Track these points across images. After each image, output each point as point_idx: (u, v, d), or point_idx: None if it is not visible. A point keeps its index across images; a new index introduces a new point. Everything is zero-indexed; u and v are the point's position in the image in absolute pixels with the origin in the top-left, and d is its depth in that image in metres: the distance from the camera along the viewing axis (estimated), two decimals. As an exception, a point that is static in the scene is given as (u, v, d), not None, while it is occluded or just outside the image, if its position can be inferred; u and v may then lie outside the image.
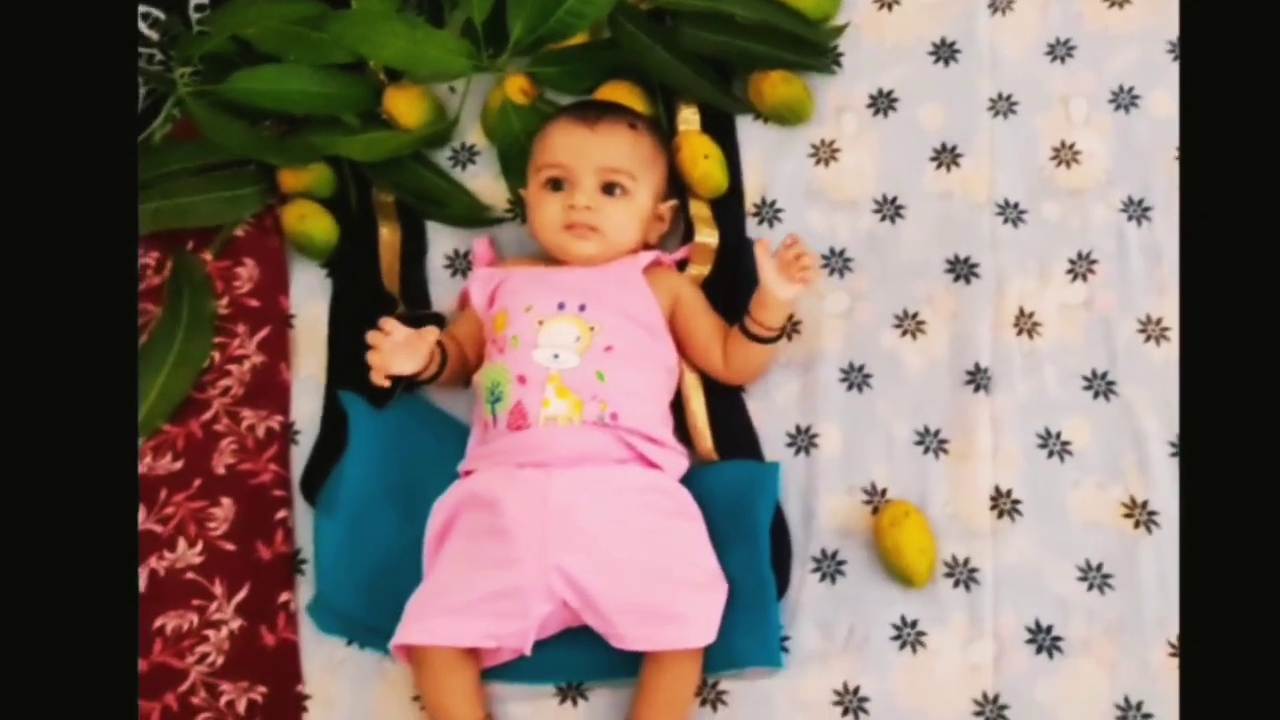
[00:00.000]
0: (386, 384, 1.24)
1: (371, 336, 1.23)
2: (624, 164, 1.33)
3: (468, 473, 1.27)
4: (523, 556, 1.17)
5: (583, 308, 1.28)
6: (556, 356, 1.25)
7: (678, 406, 1.33)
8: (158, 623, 1.28)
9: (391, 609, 1.20)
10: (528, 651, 1.18)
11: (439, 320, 1.38)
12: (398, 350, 1.23)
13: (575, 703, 1.23)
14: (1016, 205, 1.42)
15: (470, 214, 1.47)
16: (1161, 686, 1.20)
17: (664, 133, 1.43)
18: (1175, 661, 1.20)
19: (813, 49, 1.48)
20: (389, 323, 1.24)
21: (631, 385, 1.26)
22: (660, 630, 1.16)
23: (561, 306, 1.28)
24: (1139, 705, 1.19)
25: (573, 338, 1.26)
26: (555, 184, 1.33)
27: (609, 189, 1.33)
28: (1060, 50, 1.49)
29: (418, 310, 1.41)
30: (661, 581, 1.18)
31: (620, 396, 1.24)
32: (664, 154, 1.39)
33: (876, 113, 1.48)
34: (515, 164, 1.45)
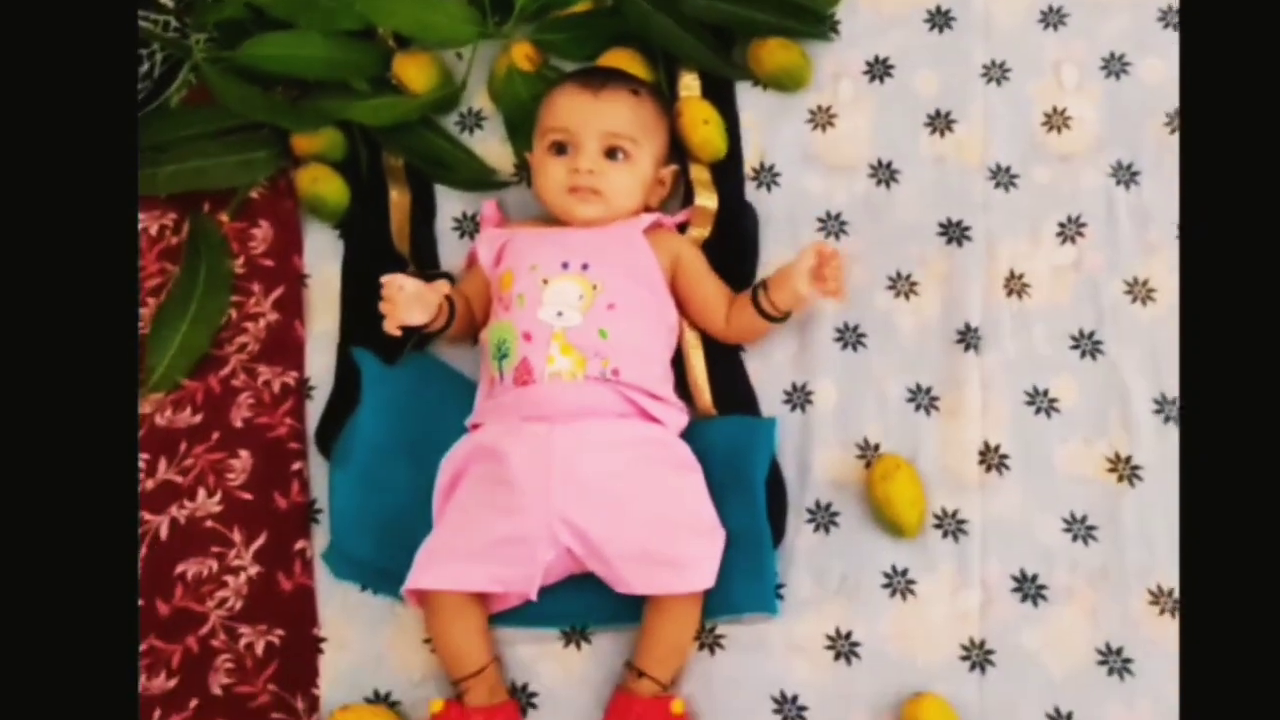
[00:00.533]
0: (398, 333, 1.26)
1: (385, 289, 1.26)
2: (626, 129, 1.35)
3: (475, 426, 1.30)
4: (528, 505, 1.20)
5: (585, 266, 1.29)
6: (560, 314, 1.27)
7: (678, 363, 1.35)
8: (179, 569, 1.31)
9: (403, 556, 1.23)
10: (534, 597, 1.21)
11: (447, 279, 1.39)
12: (410, 301, 1.26)
13: (579, 646, 1.26)
14: (1008, 169, 1.44)
15: (477, 177, 1.49)
16: (1142, 633, 1.23)
17: (665, 98, 1.45)
18: (1155, 609, 1.24)
19: (811, 16, 1.50)
20: (398, 276, 1.26)
21: (633, 342, 1.28)
22: (661, 575, 1.19)
23: (565, 265, 1.30)
24: (1119, 650, 1.23)
25: (576, 296, 1.28)
26: (559, 148, 1.35)
27: (612, 153, 1.35)
28: (1053, 18, 1.51)
29: (427, 270, 1.43)
30: (662, 529, 1.21)
31: (622, 353, 1.26)
32: (665, 119, 1.41)
33: (872, 79, 1.50)
34: (521, 129, 1.47)
